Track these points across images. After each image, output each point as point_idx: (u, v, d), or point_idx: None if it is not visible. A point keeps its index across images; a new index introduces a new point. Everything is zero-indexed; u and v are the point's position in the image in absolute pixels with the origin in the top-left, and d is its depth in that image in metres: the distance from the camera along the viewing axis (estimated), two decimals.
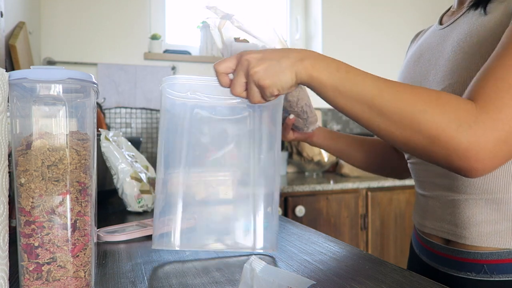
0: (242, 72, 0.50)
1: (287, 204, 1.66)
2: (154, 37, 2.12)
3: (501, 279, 0.59)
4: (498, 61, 0.47)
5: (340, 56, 2.35)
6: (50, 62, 1.98)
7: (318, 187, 1.69)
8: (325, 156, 2.03)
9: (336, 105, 0.50)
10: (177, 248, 0.58)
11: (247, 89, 0.51)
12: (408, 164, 0.76)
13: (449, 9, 0.73)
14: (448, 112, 0.44)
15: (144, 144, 2.13)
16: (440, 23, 0.72)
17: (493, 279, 0.60)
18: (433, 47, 0.68)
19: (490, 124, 0.43)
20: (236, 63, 0.51)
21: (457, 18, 0.66)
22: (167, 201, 0.56)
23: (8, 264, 0.41)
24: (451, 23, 0.67)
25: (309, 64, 0.49)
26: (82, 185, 0.44)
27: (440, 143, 0.45)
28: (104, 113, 2.01)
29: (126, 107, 2.10)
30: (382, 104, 0.47)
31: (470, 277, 0.62)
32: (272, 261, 0.58)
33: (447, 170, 0.63)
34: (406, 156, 0.76)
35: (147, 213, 0.95)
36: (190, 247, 0.58)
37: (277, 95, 0.51)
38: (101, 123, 1.80)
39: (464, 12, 0.64)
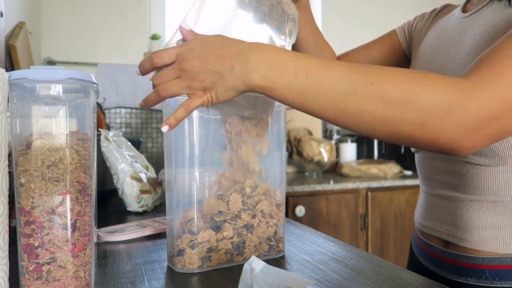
0: (182, 83, 0.45)
1: (287, 204, 1.66)
2: (154, 37, 2.12)
3: (503, 285, 0.57)
4: (508, 40, 0.44)
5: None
6: (50, 62, 1.98)
7: (318, 187, 1.69)
8: (325, 156, 2.03)
9: (302, 111, 0.45)
10: (197, 270, 0.53)
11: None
12: (415, 159, 0.74)
13: None
14: (436, 95, 0.41)
15: (144, 144, 2.13)
16: (463, 10, 0.67)
17: (494, 285, 0.57)
18: (454, 36, 0.64)
19: (485, 102, 0.40)
20: (177, 70, 0.45)
21: (481, 8, 0.61)
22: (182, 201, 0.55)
23: (8, 264, 0.41)
24: (474, 13, 0.62)
25: (259, 76, 0.43)
26: (82, 185, 0.44)
27: (428, 128, 0.41)
28: (104, 113, 2.01)
29: (126, 107, 2.10)
30: (357, 106, 0.42)
31: (471, 283, 0.60)
32: (272, 261, 0.58)
33: (454, 168, 0.61)
34: (413, 149, 0.74)
35: (147, 213, 0.95)
36: (211, 265, 0.55)
37: None
38: (101, 123, 1.80)
39: (488, 2, 0.60)
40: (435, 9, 0.79)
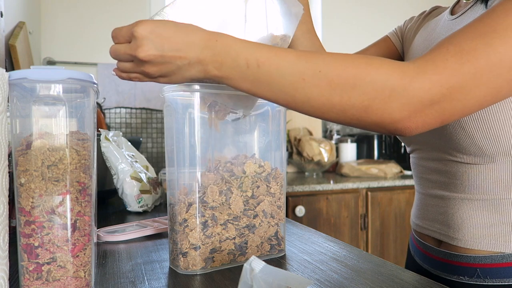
0: (136, 69, 0.47)
1: (287, 204, 1.66)
2: None
3: (495, 283, 0.57)
4: (459, 30, 0.45)
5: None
6: (50, 62, 1.98)
7: (318, 187, 1.69)
8: (325, 156, 2.03)
9: (257, 97, 0.47)
10: (200, 271, 0.53)
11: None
12: (410, 159, 0.75)
13: None
14: (380, 80, 0.42)
15: (144, 144, 2.13)
16: (452, 12, 0.68)
17: (486, 283, 0.58)
18: (442, 39, 0.64)
19: (427, 85, 0.41)
20: (132, 54, 0.45)
21: (466, 10, 0.62)
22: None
23: (8, 264, 0.41)
24: (460, 15, 0.63)
25: (214, 68, 0.45)
26: (82, 185, 0.44)
27: (372, 111, 0.43)
28: (104, 113, 2.01)
29: (126, 107, 2.10)
30: (306, 93, 0.44)
31: (463, 281, 0.60)
32: (273, 261, 0.58)
33: (445, 168, 0.62)
34: (408, 149, 0.75)
35: (147, 213, 0.95)
36: (214, 266, 0.54)
37: None
38: (101, 123, 1.80)
39: (472, 5, 0.61)
40: (424, 11, 0.79)
